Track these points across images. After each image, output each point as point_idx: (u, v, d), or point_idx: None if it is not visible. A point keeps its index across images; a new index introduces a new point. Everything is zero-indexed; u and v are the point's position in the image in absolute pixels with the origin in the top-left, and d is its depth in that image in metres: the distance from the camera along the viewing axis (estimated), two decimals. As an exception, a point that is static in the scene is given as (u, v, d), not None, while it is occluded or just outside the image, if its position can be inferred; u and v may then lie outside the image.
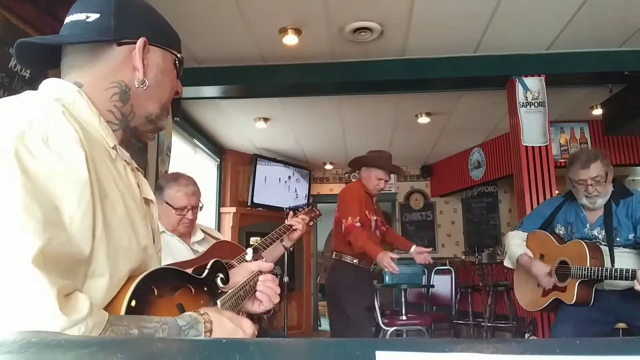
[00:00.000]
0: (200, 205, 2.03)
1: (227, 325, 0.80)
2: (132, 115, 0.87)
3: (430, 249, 3.10)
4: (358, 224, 2.91)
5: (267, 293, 1.11)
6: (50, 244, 0.59)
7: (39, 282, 0.57)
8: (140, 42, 0.83)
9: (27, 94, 0.75)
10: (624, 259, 2.21)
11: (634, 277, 2.00)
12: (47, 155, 0.64)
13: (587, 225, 2.33)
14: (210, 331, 0.77)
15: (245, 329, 0.84)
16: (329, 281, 3.14)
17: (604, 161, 2.25)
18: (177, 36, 0.95)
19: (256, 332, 0.87)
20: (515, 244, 2.55)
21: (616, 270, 2.09)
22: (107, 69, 0.83)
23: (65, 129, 0.69)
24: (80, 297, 0.63)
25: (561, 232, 2.45)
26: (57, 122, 0.69)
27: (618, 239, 2.24)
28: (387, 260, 2.72)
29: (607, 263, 2.21)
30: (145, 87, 0.85)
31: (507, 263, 2.66)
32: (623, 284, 2.13)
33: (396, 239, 3.43)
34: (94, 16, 0.82)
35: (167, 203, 1.95)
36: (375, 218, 3.10)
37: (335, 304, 3.03)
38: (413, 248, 3.09)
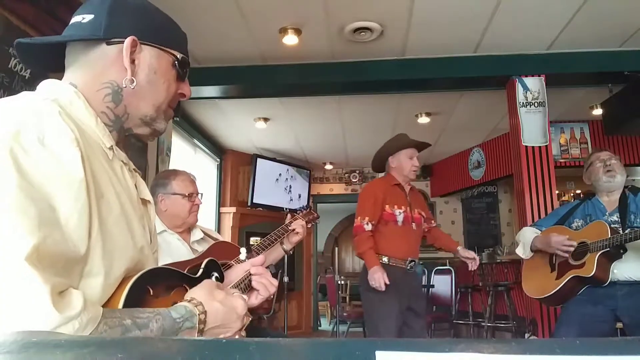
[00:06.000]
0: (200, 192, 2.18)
1: (220, 312, 0.82)
2: (126, 116, 0.86)
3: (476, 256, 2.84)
4: (367, 226, 2.83)
5: (263, 282, 1.14)
6: (44, 242, 0.60)
7: (32, 279, 0.57)
8: (129, 40, 0.82)
9: (24, 94, 0.75)
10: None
11: None
12: (43, 154, 0.64)
13: (607, 213, 2.41)
14: (205, 322, 0.79)
15: (237, 308, 0.86)
16: (359, 282, 3.06)
17: None
18: (182, 37, 0.93)
19: (247, 307, 0.90)
20: (531, 231, 2.62)
21: (637, 230, 2.11)
22: (98, 69, 0.83)
23: (61, 128, 0.68)
24: (74, 294, 0.63)
25: (579, 224, 2.49)
26: (53, 122, 0.68)
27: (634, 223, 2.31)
28: (377, 276, 2.67)
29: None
30: (133, 87, 0.83)
31: (519, 251, 2.62)
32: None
33: (438, 239, 3.13)
34: (89, 17, 0.83)
35: (176, 194, 2.03)
36: (402, 210, 2.88)
37: (363, 304, 2.99)
38: (460, 248, 2.93)
